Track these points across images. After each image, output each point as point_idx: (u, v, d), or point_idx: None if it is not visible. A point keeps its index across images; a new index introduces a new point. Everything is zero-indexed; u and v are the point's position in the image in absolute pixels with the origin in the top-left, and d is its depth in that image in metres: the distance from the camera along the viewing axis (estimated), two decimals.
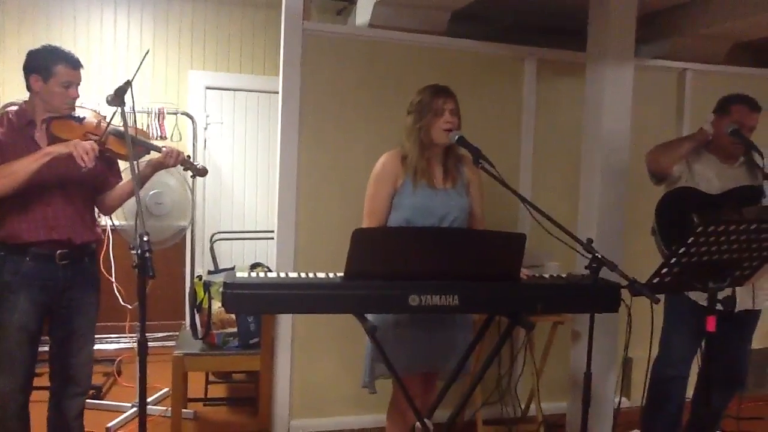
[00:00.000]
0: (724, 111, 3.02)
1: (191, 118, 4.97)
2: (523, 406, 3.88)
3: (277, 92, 3.66)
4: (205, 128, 5.34)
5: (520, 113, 3.99)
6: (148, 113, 4.96)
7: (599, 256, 2.20)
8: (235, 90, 5.48)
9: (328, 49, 3.63)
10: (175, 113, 5.00)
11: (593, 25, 3.53)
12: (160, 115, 5.00)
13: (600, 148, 3.47)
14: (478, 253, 2.26)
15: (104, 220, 4.71)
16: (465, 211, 2.68)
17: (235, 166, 5.52)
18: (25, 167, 2.37)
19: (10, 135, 2.50)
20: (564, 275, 2.52)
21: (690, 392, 3.17)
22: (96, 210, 2.80)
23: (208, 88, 5.38)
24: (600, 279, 2.28)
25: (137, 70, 2.39)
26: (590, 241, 2.26)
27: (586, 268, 2.26)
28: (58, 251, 2.54)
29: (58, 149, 2.40)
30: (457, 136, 2.55)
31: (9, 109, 2.63)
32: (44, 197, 2.50)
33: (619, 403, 2.69)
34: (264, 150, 5.50)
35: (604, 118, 3.46)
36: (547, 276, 2.50)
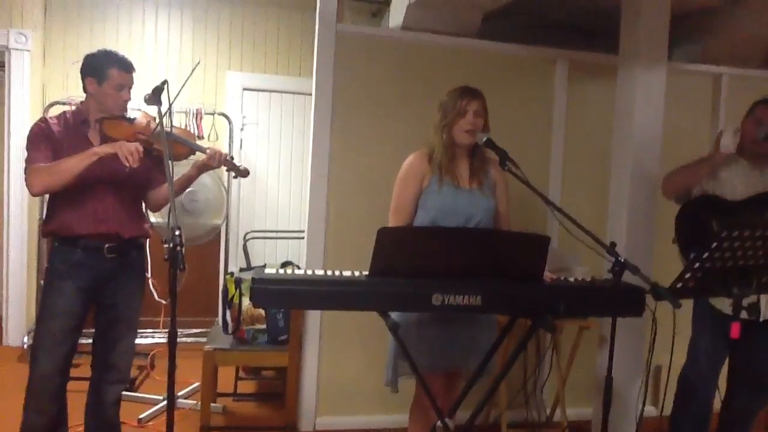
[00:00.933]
0: (749, 113, 2.97)
1: (228, 118, 5.09)
2: (548, 411, 3.87)
3: (311, 94, 3.72)
4: (242, 129, 5.45)
5: (550, 116, 3.98)
6: (186, 113, 5.09)
7: (621, 259, 2.20)
8: (270, 91, 5.59)
9: (361, 50, 3.68)
10: (213, 114, 5.13)
11: (625, 27, 3.52)
12: (198, 115, 5.13)
13: (630, 153, 3.45)
14: (501, 254, 2.29)
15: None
16: (490, 213, 2.70)
17: (269, 166, 5.62)
18: (72, 166, 2.49)
19: (66, 132, 2.64)
20: (589, 279, 2.53)
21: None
22: (144, 206, 2.91)
23: (245, 89, 5.49)
24: (624, 283, 2.27)
25: (189, 76, 2.51)
26: (613, 244, 2.26)
27: (609, 271, 2.26)
28: (107, 244, 2.65)
29: (105, 149, 2.52)
30: (485, 138, 2.58)
31: (66, 109, 2.76)
32: (95, 193, 2.63)
33: (642, 410, 2.66)
34: (298, 151, 5.59)
35: (635, 122, 3.43)
36: (572, 279, 2.51)
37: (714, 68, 4.19)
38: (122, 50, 2.74)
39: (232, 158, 2.87)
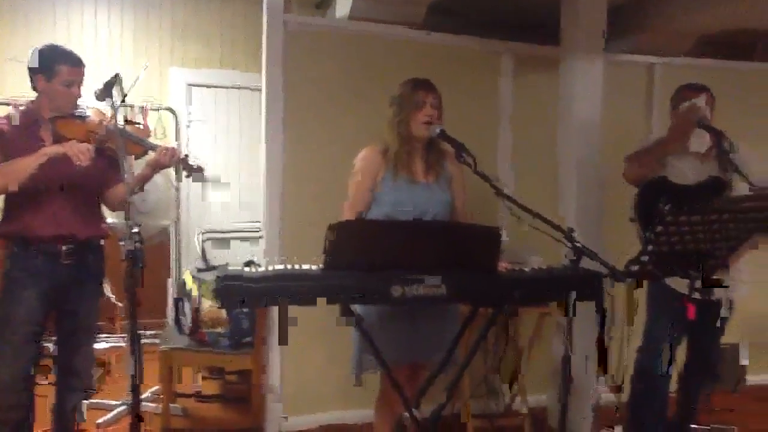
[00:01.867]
0: (678, 100, 3.09)
1: (174, 113, 4.99)
2: (507, 400, 3.89)
3: (259, 89, 3.66)
4: (188, 126, 5.35)
5: (498, 107, 4.01)
6: (131, 108, 4.96)
7: (579, 245, 2.26)
8: (216, 87, 5.49)
9: (310, 42, 3.63)
10: (158, 109, 5.01)
11: (565, 19, 3.63)
12: (144, 111, 5.00)
13: (574, 141, 3.55)
14: (456, 246, 2.30)
15: None
16: (446, 206, 2.71)
17: (218, 163, 5.51)
18: (23, 167, 2.44)
19: (17, 132, 2.57)
20: (545, 267, 2.55)
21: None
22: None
23: (190, 84, 5.38)
24: (581, 268, 2.32)
25: (135, 82, 2.46)
26: (571, 230, 2.32)
27: (566, 256, 2.31)
28: (64, 247, 2.59)
29: (54, 149, 2.47)
30: (438, 130, 2.59)
31: (15, 108, 2.68)
32: (50, 193, 2.57)
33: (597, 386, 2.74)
34: (246, 147, 5.49)
35: (575, 111, 3.54)
36: (527, 269, 2.51)
37: (647, 58, 4.30)
38: (60, 44, 2.67)
39: (186, 156, 2.81)
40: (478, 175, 2.46)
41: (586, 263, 2.32)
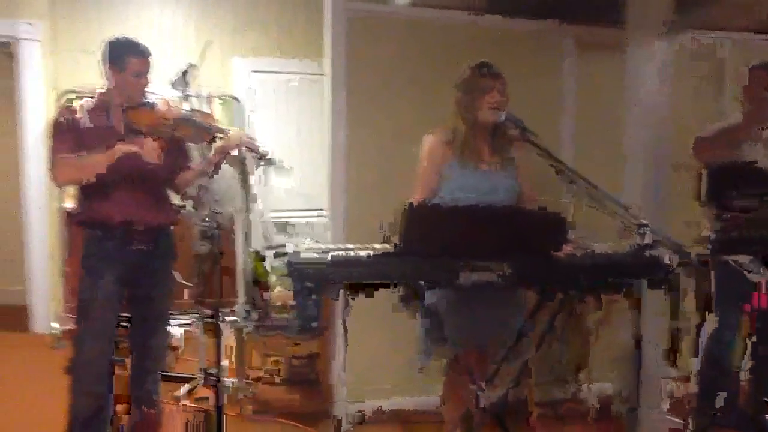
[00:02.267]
0: (749, 79, 2.99)
1: (238, 101, 5.11)
2: (575, 387, 3.83)
3: (318, 75, 3.71)
4: (252, 111, 5.44)
5: (561, 91, 3.95)
6: (197, 98, 5.09)
7: (647, 225, 2.23)
8: (277, 73, 5.57)
9: (372, 28, 3.64)
10: (223, 98, 5.13)
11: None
12: (209, 100, 5.12)
13: (641, 124, 3.46)
14: (522, 231, 2.30)
15: None
16: (513, 192, 2.71)
17: (282, 148, 5.55)
18: (97, 162, 2.56)
19: (90, 122, 2.68)
20: (611, 251, 2.51)
21: None
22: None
23: (252, 71, 5.48)
24: (650, 254, 2.30)
25: (200, 56, 2.51)
26: (642, 220, 2.29)
27: (635, 242, 2.28)
28: (138, 231, 2.70)
29: (127, 147, 2.56)
30: (504, 115, 2.59)
31: (85, 98, 2.80)
32: (123, 182, 2.66)
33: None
34: (308, 132, 5.55)
35: (645, 96, 3.45)
36: (593, 253, 2.46)
37: (717, 34, 4.17)
38: (130, 35, 2.77)
39: (253, 140, 2.89)
40: (543, 153, 2.44)
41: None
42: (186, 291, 4.45)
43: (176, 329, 4.74)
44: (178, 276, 4.42)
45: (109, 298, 2.69)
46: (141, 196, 2.72)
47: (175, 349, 4.50)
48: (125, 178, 2.66)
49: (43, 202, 4.97)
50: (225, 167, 3.99)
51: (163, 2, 5.31)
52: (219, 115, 5.17)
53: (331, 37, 3.59)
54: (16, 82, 4.90)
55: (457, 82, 2.70)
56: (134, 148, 2.55)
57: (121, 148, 2.56)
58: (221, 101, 5.13)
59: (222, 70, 5.40)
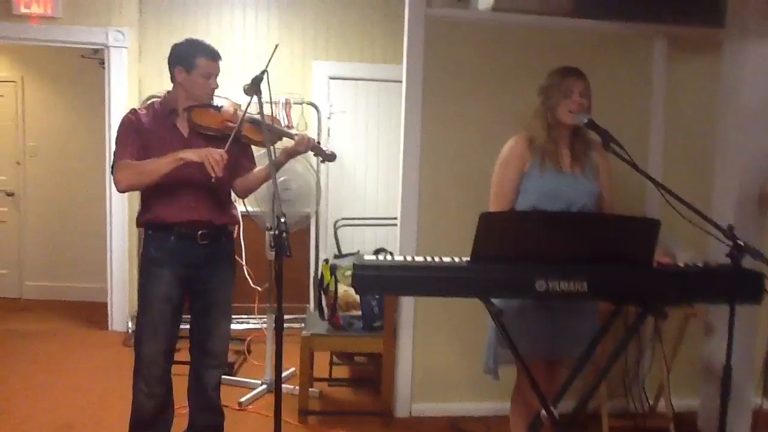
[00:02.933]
0: None
1: (316, 107, 5.16)
2: (651, 401, 3.73)
3: (398, 81, 3.71)
4: (329, 117, 5.49)
5: (649, 96, 3.79)
6: (275, 104, 5.16)
7: (742, 243, 2.09)
8: (357, 79, 5.59)
9: (451, 34, 3.63)
10: (301, 103, 5.20)
11: None
12: (287, 105, 5.18)
13: (739, 132, 3.27)
14: (608, 238, 2.19)
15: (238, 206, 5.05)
16: (594, 197, 2.61)
17: (357, 153, 5.65)
18: (158, 168, 2.54)
19: (155, 123, 2.70)
20: (701, 264, 2.39)
21: None
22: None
23: (331, 78, 5.52)
24: (742, 267, 2.15)
25: (269, 60, 2.50)
26: (731, 227, 2.15)
27: (726, 256, 2.14)
28: (200, 231, 2.71)
29: (191, 156, 2.51)
30: (586, 119, 2.49)
31: (154, 99, 2.83)
32: (186, 184, 2.65)
33: (761, 403, 2.53)
34: (384, 137, 5.58)
35: (744, 99, 3.25)
36: (681, 264, 2.38)
37: None
38: (212, 42, 2.78)
39: (319, 143, 2.86)
40: (627, 164, 2.33)
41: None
42: (256, 292, 4.55)
43: (243, 329, 4.86)
44: (248, 278, 4.55)
45: (169, 293, 2.70)
46: (203, 197, 2.71)
47: (241, 348, 4.56)
48: (187, 180, 2.64)
49: (124, 204, 5.12)
50: (302, 170, 4.08)
51: (245, 9, 5.40)
52: (297, 119, 5.25)
53: (408, 41, 3.58)
54: (106, 88, 5.08)
55: (540, 86, 2.64)
56: (197, 159, 2.50)
57: (184, 155, 2.53)
58: (300, 106, 5.19)
59: (302, 73, 5.46)
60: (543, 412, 2.36)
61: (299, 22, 5.46)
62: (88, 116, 5.74)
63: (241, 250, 4.78)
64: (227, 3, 5.39)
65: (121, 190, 2.67)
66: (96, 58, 5.47)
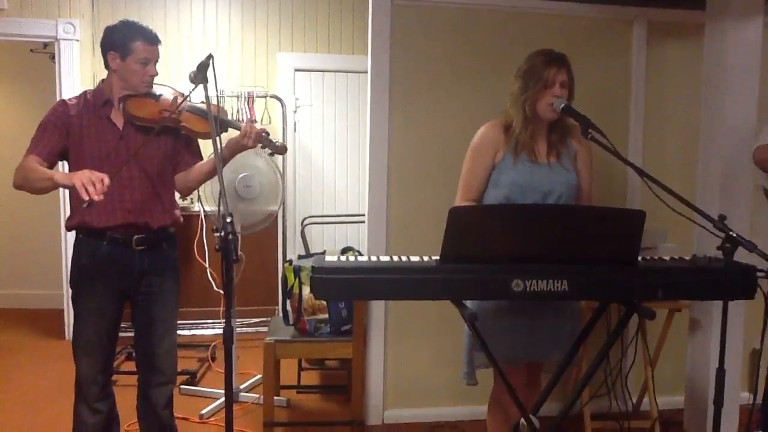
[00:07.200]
0: None
1: (280, 101, 4.96)
2: (634, 400, 3.59)
3: (366, 72, 3.51)
4: (295, 111, 5.27)
5: (628, 82, 3.66)
6: (238, 97, 4.94)
7: (734, 235, 1.92)
8: (323, 71, 5.37)
9: (419, 21, 3.45)
10: (265, 96, 4.99)
11: None
12: (250, 98, 4.96)
13: (722, 118, 3.13)
14: (588, 233, 2.00)
15: (197, 206, 4.81)
16: (571, 188, 2.44)
17: (325, 148, 5.43)
18: (36, 179, 2.29)
19: (86, 113, 2.44)
20: (687, 258, 2.23)
21: None
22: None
23: (296, 70, 5.29)
24: (734, 261, 1.99)
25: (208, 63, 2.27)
26: (723, 218, 1.98)
27: (718, 248, 1.98)
28: (135, 236, 2.45)
29: (63, 180, 2.20)
30: (562, 104, 2.31)
31: (88, 89, 2.58)
32: (120, 180, 2.38)
33: (754, 403, 2.38)
34: (353, 131, 5.39)
35: (726, 83, 3.11)
36: (667, 258, 2.21)
37: None
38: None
39: (267, 134, 2.56)
40: (608, 151, 2.15)
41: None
42: (220, 296, 4.33)
43: (208, 334, 4.63)
44: (212, 283, 4.33)
45: (103, 312, 2.45)
46: (138, 196, 2.45)
47: (204, 360, 4.35)
48: (124, 173, 2.38)
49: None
50: (265, 166, 3.86)
51: (206, 2, 5.14)
52: (261, 114, 5.03)
53: (372, 29, 3.40)
54: (57, 82, 4.82)
55: (518, 70, 2.44)
56: (68, 183, 2.16)
57: (57, 178, 2.23)
58: (263, 99, 4.98)
59: (266, 66, 5.23)
60: (522, 420, 2.19)
61: (262, 12, 5.23)
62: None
63: (204, 252, 4.58)
64: None
65: (15, 187, 2.37)
66: (46, 53, 5.18)
